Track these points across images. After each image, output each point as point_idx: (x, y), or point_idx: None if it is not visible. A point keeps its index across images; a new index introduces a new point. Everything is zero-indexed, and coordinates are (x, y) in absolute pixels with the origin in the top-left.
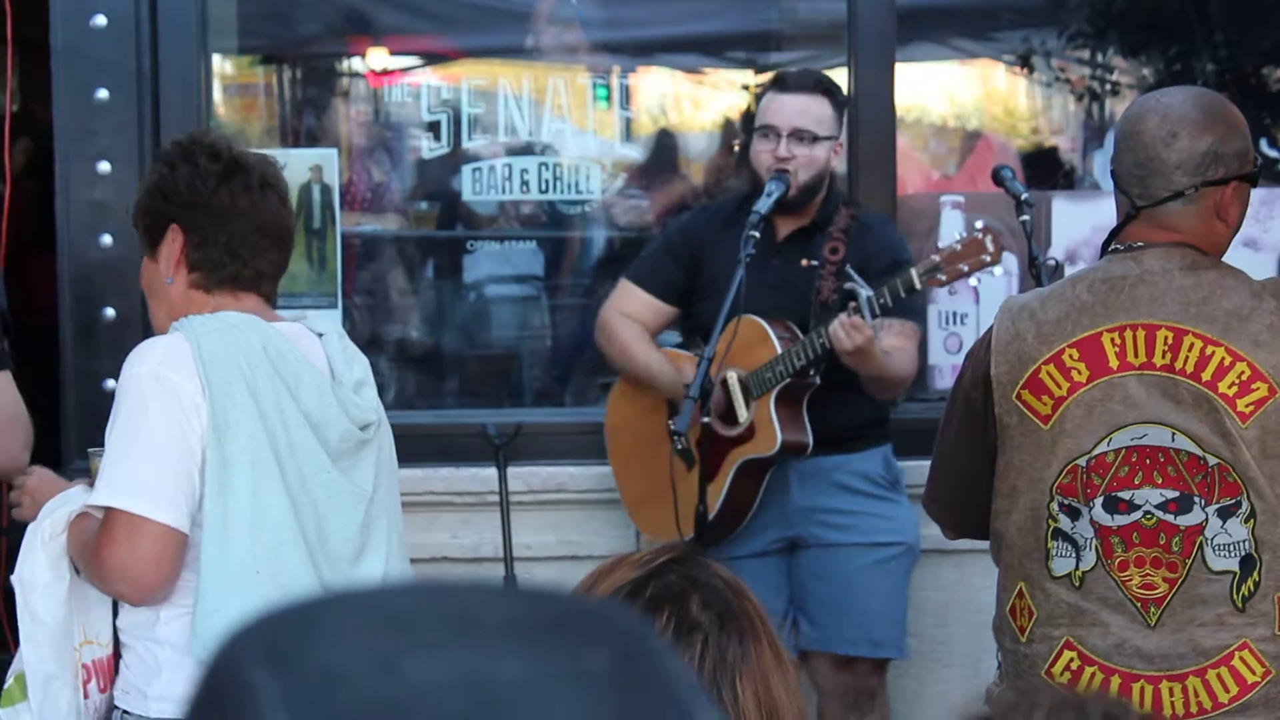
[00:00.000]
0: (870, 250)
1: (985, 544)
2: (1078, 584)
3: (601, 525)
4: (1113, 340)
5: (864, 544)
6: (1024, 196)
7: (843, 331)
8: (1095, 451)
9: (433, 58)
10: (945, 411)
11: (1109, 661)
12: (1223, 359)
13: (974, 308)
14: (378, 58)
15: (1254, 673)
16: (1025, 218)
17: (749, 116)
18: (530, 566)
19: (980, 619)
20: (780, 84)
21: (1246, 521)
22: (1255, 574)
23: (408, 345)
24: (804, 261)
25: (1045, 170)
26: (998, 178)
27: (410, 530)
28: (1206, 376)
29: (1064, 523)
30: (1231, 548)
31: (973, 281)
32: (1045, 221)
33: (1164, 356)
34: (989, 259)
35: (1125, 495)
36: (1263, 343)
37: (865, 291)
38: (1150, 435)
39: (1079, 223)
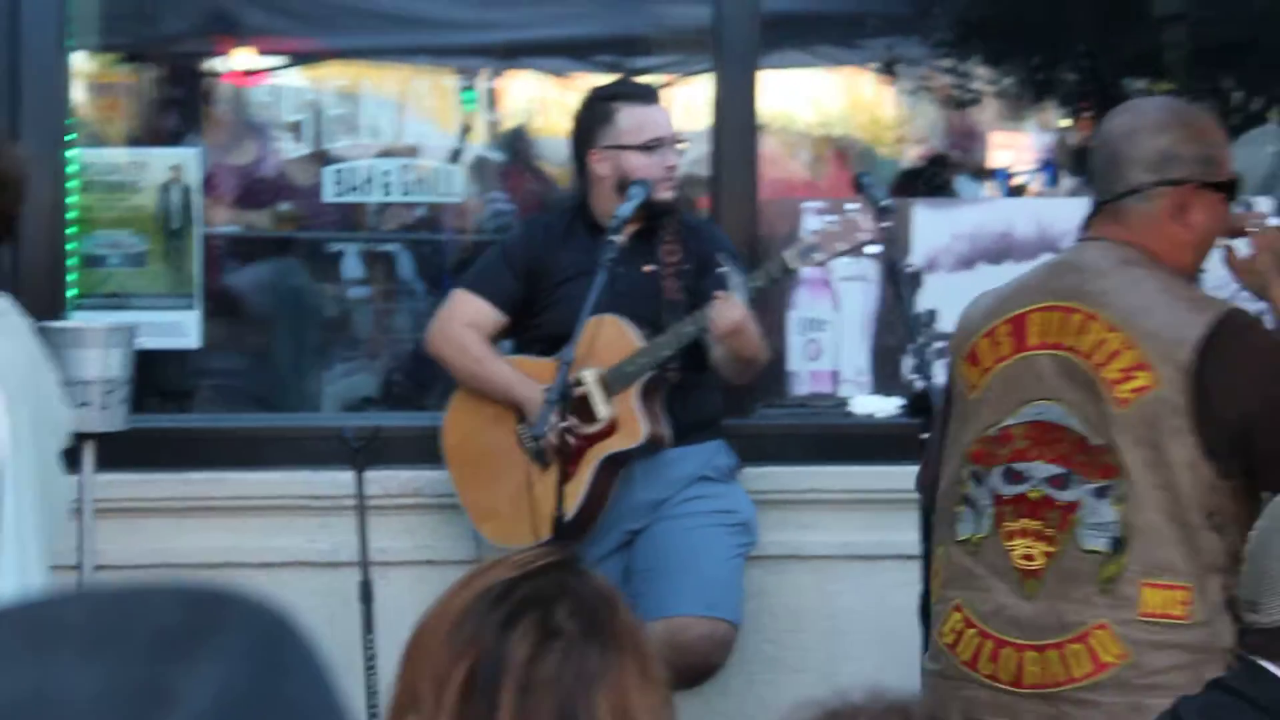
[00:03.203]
0: (706, 249)
1: (841, 550)
2: (974, 549)
3: (460, 530)
4: (1038, 318)
5: (700, 513)
6: (884, 203)
7: (719, 312)
8: (1004, 423)
9: (298, 58)
10: None
11: (987, 626)
12: (1116, 345)
13: (834, 314)
14: (242, 58)
15: (1109, 653)
16: (887, 224)
17: (589, 124)
18: (387, 571)
19: (835, 625)
20: (640, 96)
21: (1116, 504)
22: (1122, 557)
23: (266, 347)
24: (645, 267)
25: (908, 178)
26: (858, 184)
27: (266, 534)
28: (1098, 359)
29: (970, 488)
30: (1103, 528)
31: (847, 261)
32: (906, 228)
33: (1071, 338)
34: (866, 237)
35: (1020, 467)
36: (1156, 336)
37: (738, 276)
38: (1049, 411)
39: (939, 230)
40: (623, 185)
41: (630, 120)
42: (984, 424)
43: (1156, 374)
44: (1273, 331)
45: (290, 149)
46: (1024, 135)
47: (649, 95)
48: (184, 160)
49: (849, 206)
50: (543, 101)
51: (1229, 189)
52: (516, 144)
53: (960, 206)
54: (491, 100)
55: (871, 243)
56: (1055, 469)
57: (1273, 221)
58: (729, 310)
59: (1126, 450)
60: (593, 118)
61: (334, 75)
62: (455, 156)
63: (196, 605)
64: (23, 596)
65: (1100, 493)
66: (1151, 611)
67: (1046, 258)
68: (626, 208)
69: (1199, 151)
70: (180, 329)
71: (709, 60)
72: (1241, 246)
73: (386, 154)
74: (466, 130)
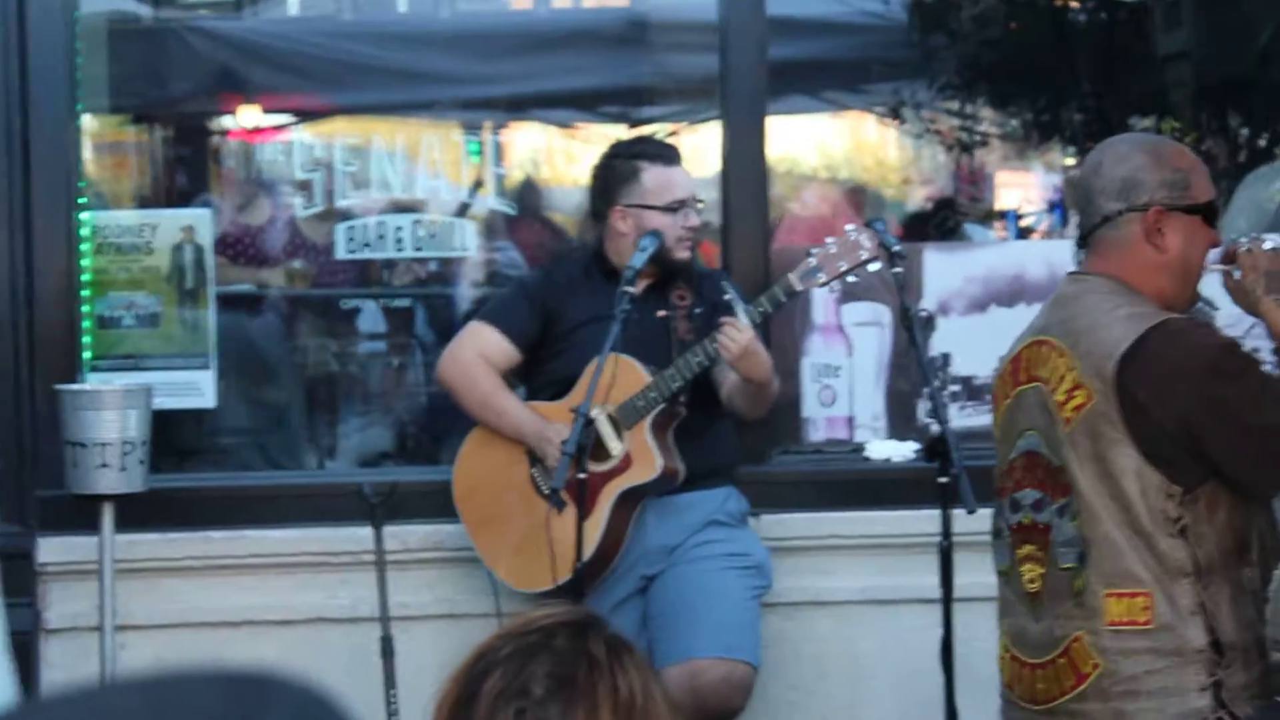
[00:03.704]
0: (715, 292)
1: (861, 595)
2: (1005, 578)
3: (480, 583)
4: (1026, 354)
5: (714, 555)
6: (895, 249)
7: (727, 336)
8: (1010, 457)
9: (306, 115)
10: None
11: (1015, 649)
12: (1064, 368)
13: (847, 360)
14: (250, 115)
15: (1086, 663)
16: (897, 270)
17: (613, 182)
18: (408, 626)
19: (857, 670)
20: (664, 158)
21: (1073, 520)
22: (1086, 570)
23: (282, 405)
24: (659, 313)
25: (917, 221)
26: (872, 228)
27: (286, 591)
28: (1051, 384)
29: (999, 522)
30: (1070, 544)
31: (851, 280)
32: (918, 273)
33: (1041, 367)
34: (867, 255)
35: (1017, 496)
36: (1090, 353)
37: (742, 303)
38: (1031, 441)
39: (951, 273)
40: (641, 232)
41: (655, 181)
42: (1001, 460)
43: (1090, 389)
44: (1211, 334)
45: (301, 206)
46: (1032, 176)
47: (673, 156)
48: (196, 220)
49: (849, 228)
50: (550, 152)
51: (1205, 213)
52: (525, 196)
53: (971, 250)
54: (499, 153)
55: (873, 260)
56: (1035, 494)
57: (1267, 244)
58: (736, 334)
59: (1076, 467)
60: (617, 175)
61: (342, 131)
62: (465, 210)
63: (239, 691)
64: (70, 688)
65: (1062, 511)
66: (1116, 620)
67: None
68: (639, 259)
69: (1164, 176)
70: (196, 388)
71: (716, 108)
72: (1236, 271)
73: (397, 209)
74: (478, 185)
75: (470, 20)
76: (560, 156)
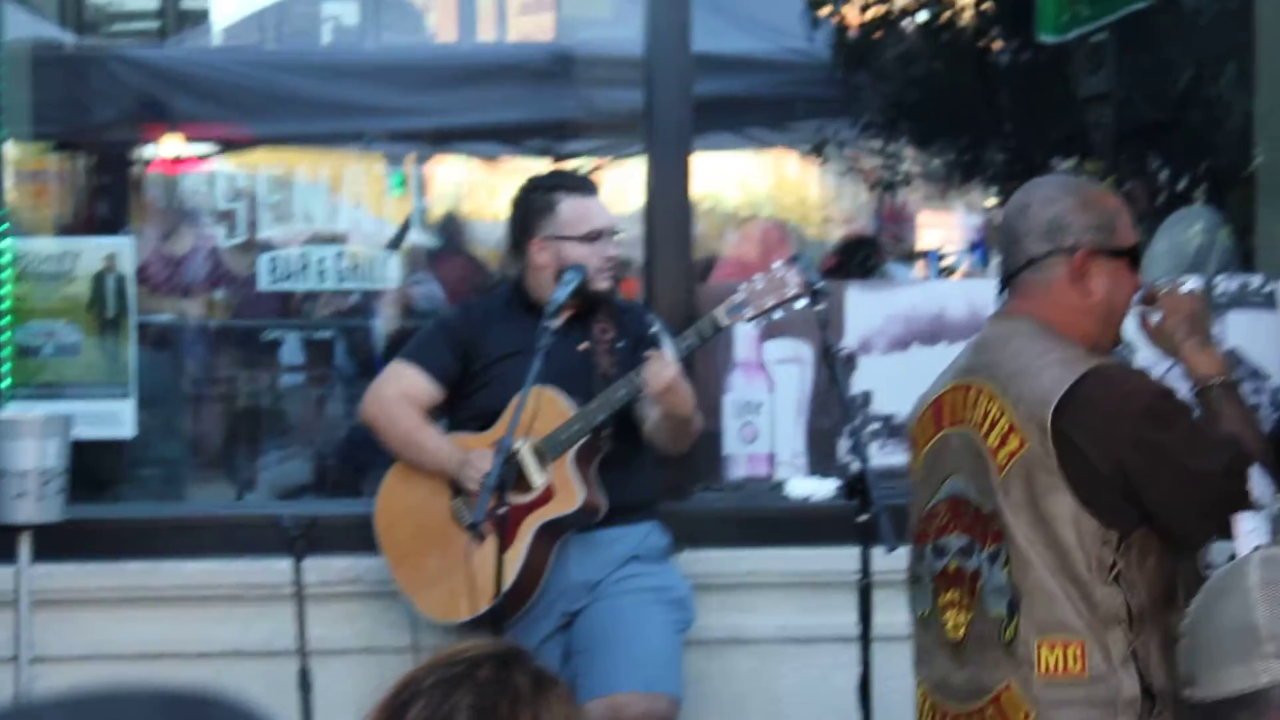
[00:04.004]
0: (638, 326)
1: (780, 633)
2: (924, 624)
3: (398, 617)
4: (950, 398)
5: (636, 590)
6: (819, 286)
7: (652, 371)
8: (932, 501)
9: (229, 144)
10: None
11: (936, 696)
12: (996, 413)
13: (768, 397)
14: (173, 144)
15: (1018, 712)
16: (821, 307)
17: (531, 214)
18: (325, 660)
19: (776, 708)
20: (581, 189)
21: (1005, 567)
22: (1017, 618)
23: (201, 436)
24: (580, 345)
25: (840, 259)
26: (797, 264)
27: (203, 624)
28: (983, 430)
29: (918, 566)
30: (1000, 592)
31: (777, 316)
32: (840, 310)
33: (969, 412)
34: (793, 292)
35: (942, 542)
36: (1023, 398)
37: (668, 337)
38: (957, 486)
39: (873, 312)
40: (562, 273)
41: (572, 212)
42: (922, 504)
43: (1024, 435)
44: (1145, 379)
45: (223, 236)
46: (953, 216)
47: (589, 187)
48: (118, 249)
49: (776, 265)
50: (473, 186)
51: (1130, 256)
52: (449, 229)
53: (893, 289)
54: (423, 185)
55: (799, 297)
56: (963, 540)
57: (1185, 287)
58: (662, 369)
59: (1010, 514)
60: (534, 207)
61: (265, 162)
62: (389, 242)
63: (177, 710)
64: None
65: (993, 558)
66: (1049, 669)
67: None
68: (562, 293)
69: (1090, 219)
70: (115, 418)
71: (641, 143)
72: (1155, 314)
73: (319, 240)
74: (406, 226)
75: (395, 53)
76: (483, 190)
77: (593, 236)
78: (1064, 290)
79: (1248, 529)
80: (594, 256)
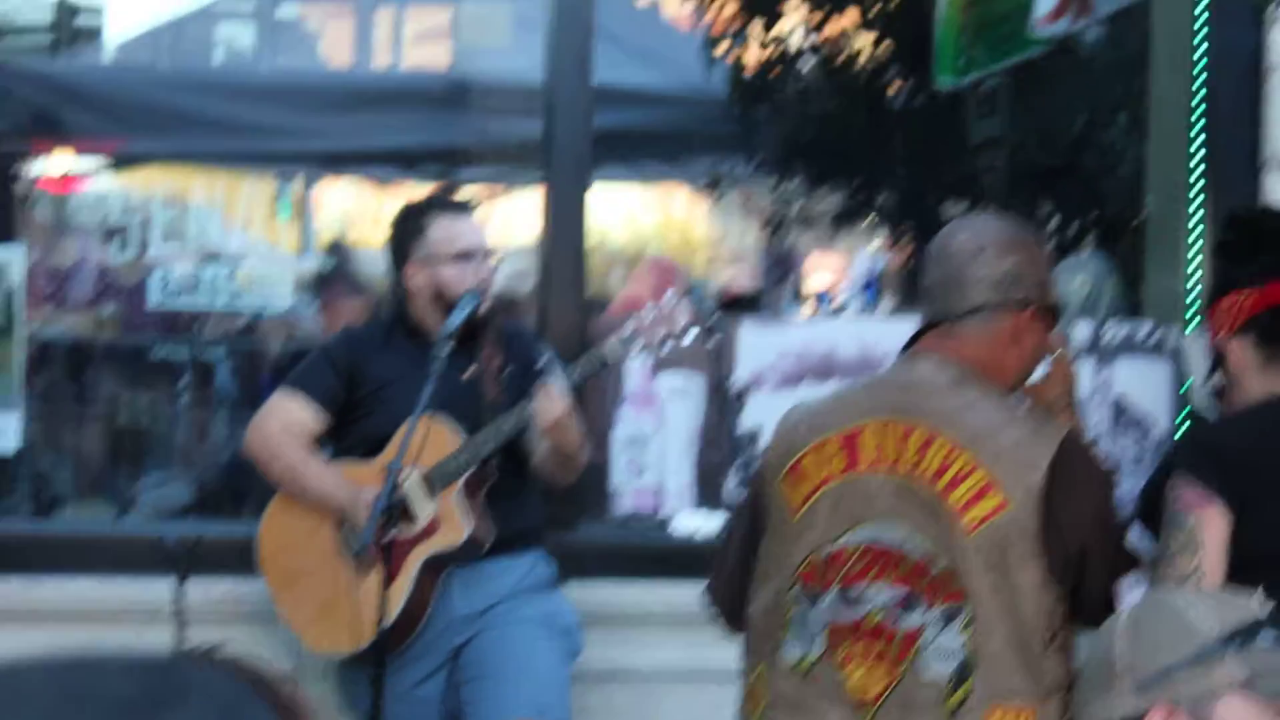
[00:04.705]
0: (526, 354)
1: (663, 668)
2: (804, 674)
3: (280, 640)
4: (873, 435)
5: (524, 620)
6: (712, 320)
7: (543, 403)
8: (836, 544)
9: (120, 161)
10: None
11: None
12: (961, 468)
13: (657, 430)
14: (64, 159)
15: None
16: (713, 341)
17: (405, 237)
18: None
19: None
20: (451, 208)
21: (964, 630)
22: (969, 683)
23: (89, 452)
24: (467, 371)
25: (738, 295)
26: (689, 298)
27: (83, 642)
28: (941, 484)
29: (799, 611)
30: (948, 655)
31: (663, 351)
32: (732, 346)
33: (912, 456)
34: (684, 325)
35: (856, 591)
36: (1004, 457)
37: (559, 368)
38: (886, 535)
39: (765, 349)
40: (438, 296)
41: (441, 232)
42: (813, 545)
43: (1007, 497)
44: (1099, 456)
45: (114, 253)
46: (845, 256)
47: (461, 207)
48: (7, 259)
49: (667, 297)
50: (366, 212)
51: (1056, 316)
52: (340, 253)
53: (785, 326)
54: (313, 208)
55: (689, 329)
56: (897, 593)
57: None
58: (552, 402)
59: (975, 575)
60: (406, 230)
61: (156, 180)
62: (281, 263)
63: (156, 676)
64: None
65: (948, 618)
66: None
67: (872, 374)
68: (457, 317)
69: (1040, 275)
70: (1, 431)
71: (534, 172)
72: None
73: (208, 259)
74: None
75: (291, 75)
76: (380, 216)
77: (464, 256)
78: (1004, 344)
79: (1130, 582)
80: (466, 277)
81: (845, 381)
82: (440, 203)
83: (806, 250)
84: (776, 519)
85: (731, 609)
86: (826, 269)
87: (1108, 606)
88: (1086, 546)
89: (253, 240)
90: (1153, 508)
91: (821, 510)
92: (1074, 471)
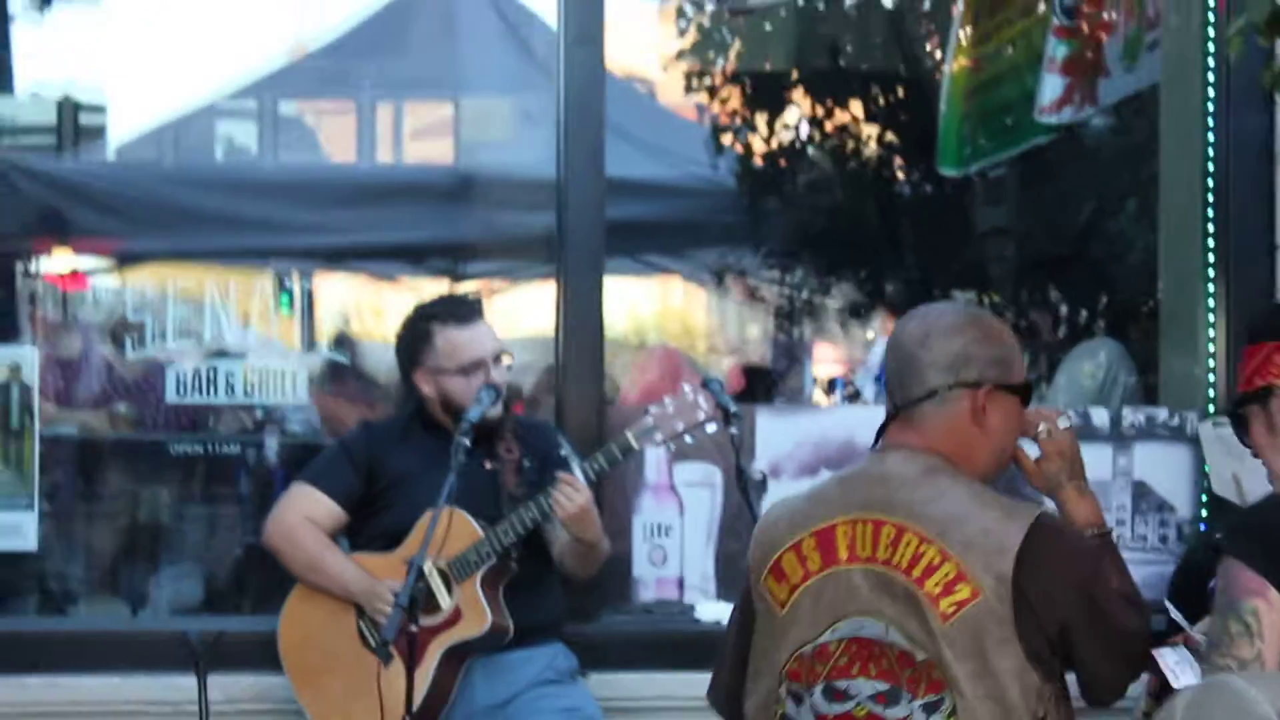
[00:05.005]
0: (544, 446)
1: None
2: None
3: None
4: (845, 532)
5: (546, 711)
6: (733, 410)
7: (563, 494)
8: (819, 640)
9: (127, 258)
10: None
11: None
12: (933, 558)
13: (678, 520)
14: (71, 257)
15: None
16: (734, 430)
17: (412, 346)
18: None
19: None
20: (456, 318)
21: (949, 718)
22: None
23: (105, 549)
24: (486, 464)
25: (747, 384)
26: (708, 389)
27: None
28: (916, 574)
29: (790, 708)
30: None
31: (688, 440)
32: (750, 434)
33: (885, 551)
34: (704, 415)
35: (842, 685)
36: (973, 546)
37: (578, 459)
38: (867, 627)
39: (783, 436)
40: (446, 404)
41: (446, 344)
42: (798, 641)
43: (977, 585)
44: (1081, 535)
45: (129, 349)
46: (859, 344)
47: (465, 315)
48: (22, 359)
49: (686, 388)
50: (371, 304)
51: (1023, 392)
52: (351, 347)
53: (803, 413)
54: (316, 303)
55: (710, 421)
56: (880, 685)
57: (1063, 423)
58: (572, 493)
59: (954, 663)
60: (413, 339)
61: (164, 276)
62: (288, 358)
63: None
64: None
65: (930, 708)
66: None
67: (843, 469)
68: (475, 411)
69: (993, 353)
70: (18, 531)
71: (543, 265)
72: (1031, 448)
73: (219, 355)
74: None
75: (297, 171)
76: (384, 310)
77: (468, 369)
78: (964, 425)
79: (1172, 662)
80: (474, 386)
81: (822, 478)
82: (444, 312)
83: (818, 339)
84: (764, 616)
85: (731, 707)
86: (838, 358)
87: (1117, 683)
88: (1067, 624)
89: (259, 335)
90: (1190, 589)
91: (804, 606)
92: (1045, 552)
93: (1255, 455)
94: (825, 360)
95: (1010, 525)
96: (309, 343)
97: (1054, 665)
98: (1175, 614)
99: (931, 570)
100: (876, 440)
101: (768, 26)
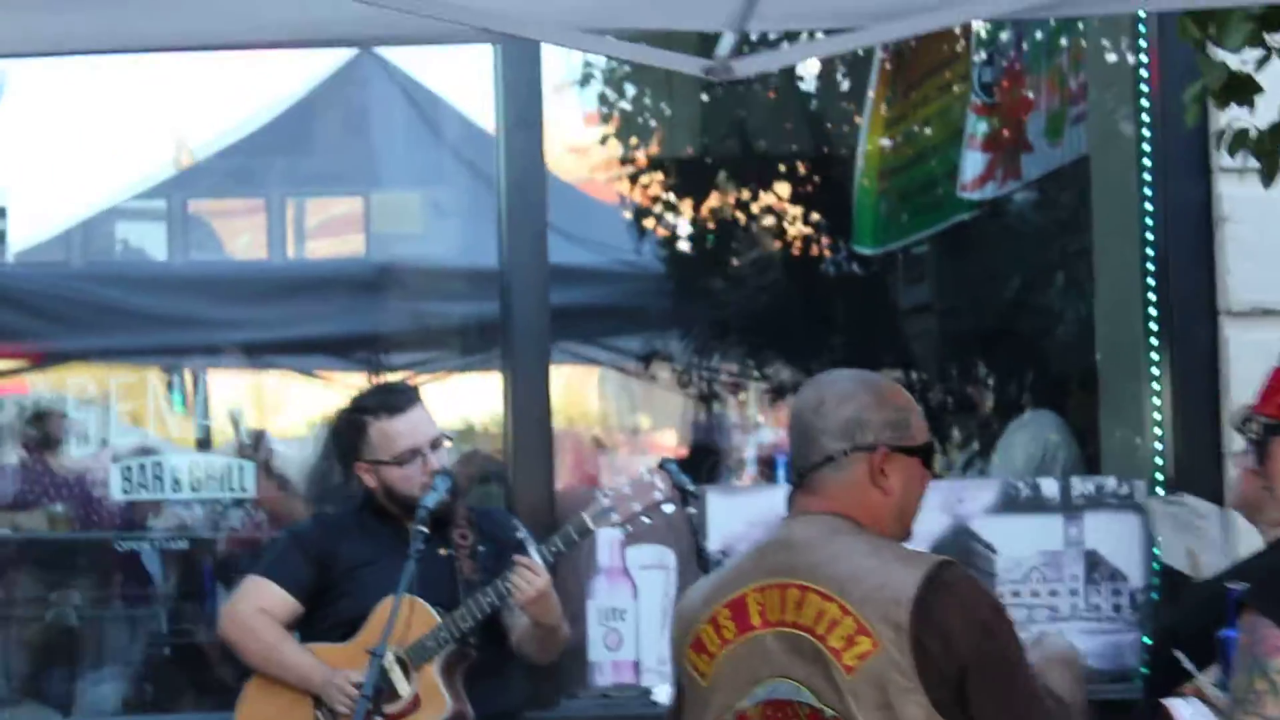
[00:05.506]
0: (499, 530)
1: None
2: None
3: None
4: (756, 599)
5: None
6: (690, 489)
7: (522, 578)
8: (739, 705)
9: (46, 359)
10: None
11: None
12: (835, 615)
13: (633, 603)
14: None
15: None
16: (692, 510)
17: (348, 440)
18: None
19: None
20: (387, 409)
21: None
22: None
23: (46, 649)
24: (441, 551)
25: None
26: (665, 469)
27: None
28: (820, 630)
29: None
30: None
31: (645, 521)
32: (702, 515)
33: (792, 613)
34: (661, 496)
35: None
36: (869, 599)
37: (535, 543)
38: (781, 689)
39: (734, 516)
40: (390, 494)
41: (380, 436)
42: (721, 708)
43: (876, 636)
44: (983, 588)
45: (74, 446)
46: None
47: (397, 405)
48: None
49: (642, 470)
50: (290, 399)
51: (923, 453)
52: (260, 443)
53: (752, 493)
54: (233, 399)
55: (667, 502)
56: None
57: None
58: (532, 576)
59: (860, 716)
60: (347, 432)
61: (78, 375)
62: (210, 456)
63: None
64: None
65: None
66: None
67: (755, 540)
68: (431, 498)
69: (887, 416)
70: None
71: (469, 354)
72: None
73: (138, 454)
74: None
75: (209, 266)
76: (305, 405)
77: (405, 458)
78: (864, 487)
79: (1187, 715)
80: (414, 474)
81: (742, 551)
82: (376, 404)
83: (745, 421)
84: (690, 689)
85: None
86: (772, 439)
87: None
88: (966, 667)
89: (177, 432)
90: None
91: (725, 673)
92: (942, 603)
93: (1265, 487)
94: (762, 441)
95: (907, 575)
96: (235, 439)
97: (963, 715)
98: (1187, 663)
99: (834, 626)
100: (788, 508)
101: (684, 110)
